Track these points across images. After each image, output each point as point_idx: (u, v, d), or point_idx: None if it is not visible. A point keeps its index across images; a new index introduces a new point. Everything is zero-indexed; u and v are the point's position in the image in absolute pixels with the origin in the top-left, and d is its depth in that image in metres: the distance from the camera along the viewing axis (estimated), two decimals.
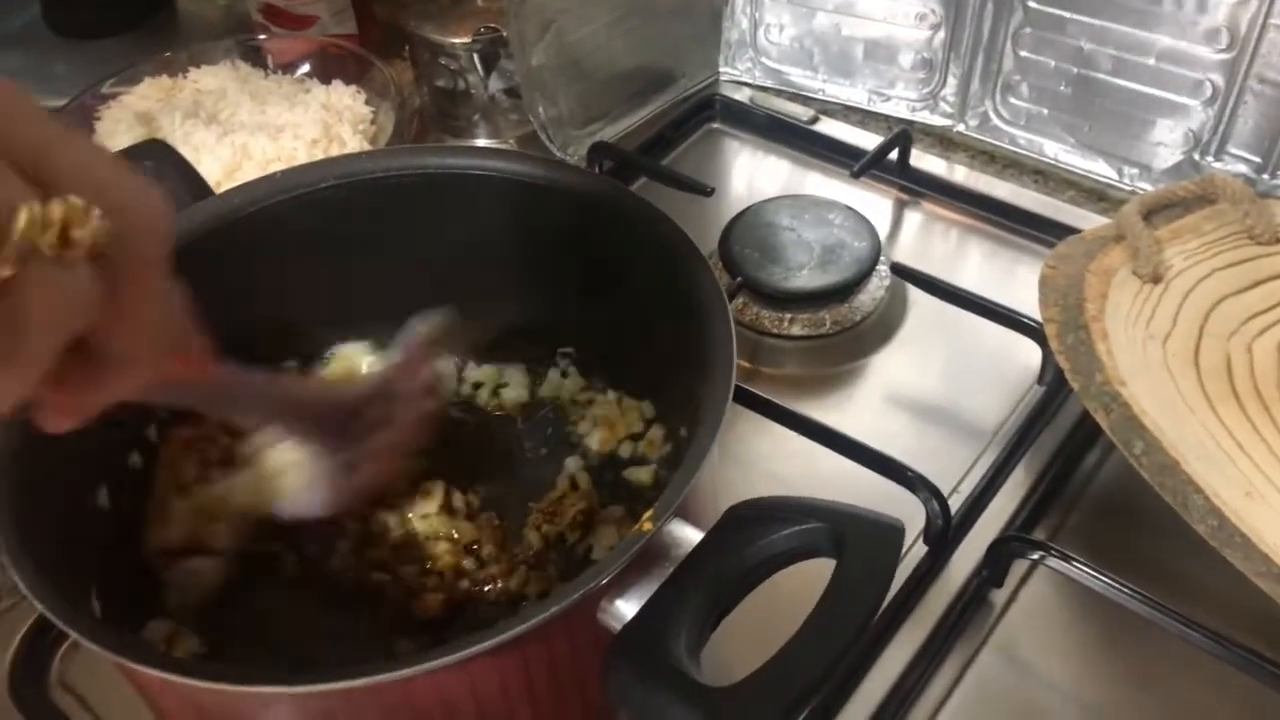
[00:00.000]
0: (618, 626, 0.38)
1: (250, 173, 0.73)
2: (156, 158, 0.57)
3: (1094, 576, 0.53)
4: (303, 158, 0.75)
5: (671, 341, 0.51)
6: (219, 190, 0.57)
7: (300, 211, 0.55)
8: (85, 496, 0.49)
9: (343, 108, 0.80)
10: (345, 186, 0.55)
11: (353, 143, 0.78)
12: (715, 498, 0.45)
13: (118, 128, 0.78)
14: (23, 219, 0.24)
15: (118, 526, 0.51)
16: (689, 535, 0.40)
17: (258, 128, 0.77)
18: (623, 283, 0.55)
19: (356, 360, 0.62)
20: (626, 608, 0.38)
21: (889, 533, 0.38)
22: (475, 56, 0.81)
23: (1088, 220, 0.75)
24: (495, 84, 0.83)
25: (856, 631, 0.36)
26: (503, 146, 0.85)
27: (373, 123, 0.81)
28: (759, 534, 0.39)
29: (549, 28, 0.77)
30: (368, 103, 0.82)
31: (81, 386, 0.30)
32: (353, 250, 0.57)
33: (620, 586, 0.38)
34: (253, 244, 0.54)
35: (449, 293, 0.59)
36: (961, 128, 0.85)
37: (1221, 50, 0.71)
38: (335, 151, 0.76)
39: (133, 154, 0.58)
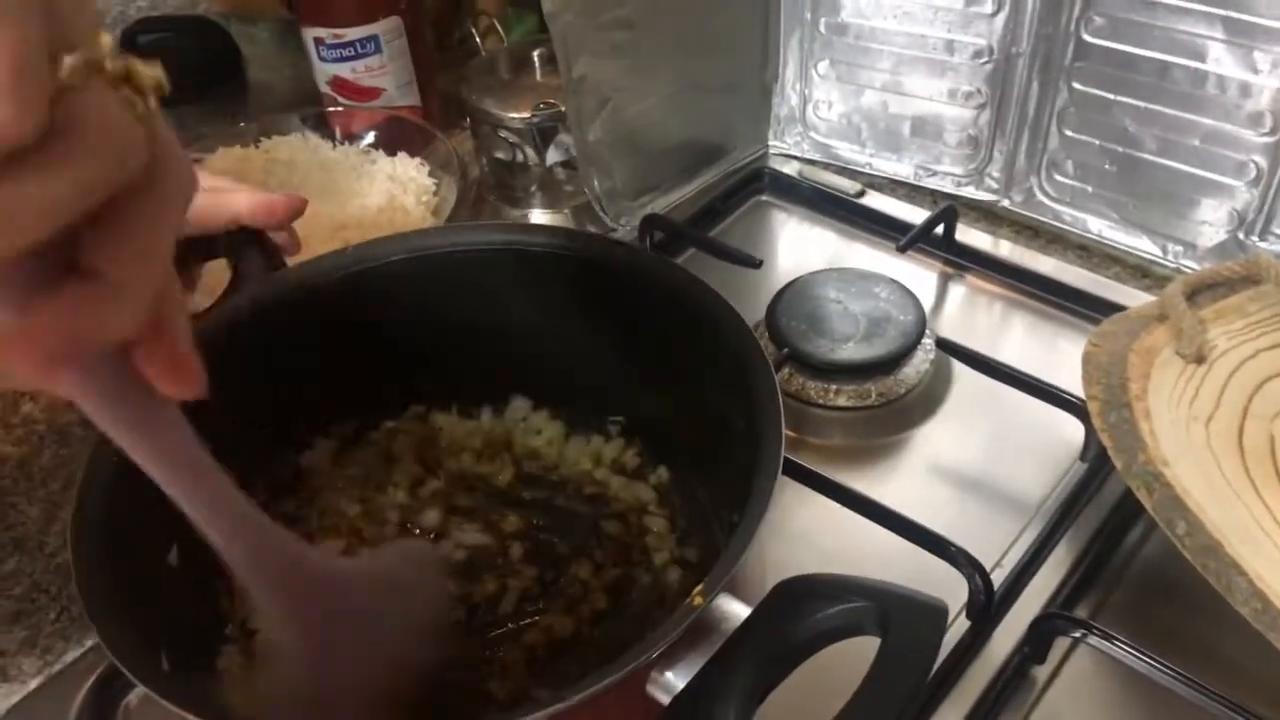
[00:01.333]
0: (666, 699, 0.39)
1: (317, 240, 0.76)
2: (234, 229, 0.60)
3: (1136, 656, 0.53)
4: (368, 227, 0.78)
5: (719, 412, 0.52)
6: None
7: (371, 283, 0.57)
8: (158, 556, 0.51)
9: (407, 179, 0.83)
10: (415, 260, 0.58)
11: (416, 213, 0.81)
12: (763, 572, 0.46)
13: None
14: (106, 42, 0.27)
15: (186, 583, 0.53)
16: (737, 610, 0.40)
17: (326, 197, 0.80)
18: (672, 355, 0.56)
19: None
20: (675, 680, 0.39)
21: (933, 614, 0.39)
22: (534, 130, 0.84)
23: (1131, 296, 0.76)
24: (552, 157, 0.85)
25: (900, 710, 0.37)
26: (559, 223, 0.87)
27: (435, 194, 0.84)
28: (805, 611, 0.40)
29: (605, 104, 0.80)
30: (431, 175, 0.85)
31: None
32: (419, 320, 0.59)
33: (670, 660, 0.39)
34: (323, 313, 0.57)
35: (509, 360, 0.62)
36: (1006, 203, 0.86)
37: (1265, 134, 0.72)
38: (400, 221, 0.79)
39: None
